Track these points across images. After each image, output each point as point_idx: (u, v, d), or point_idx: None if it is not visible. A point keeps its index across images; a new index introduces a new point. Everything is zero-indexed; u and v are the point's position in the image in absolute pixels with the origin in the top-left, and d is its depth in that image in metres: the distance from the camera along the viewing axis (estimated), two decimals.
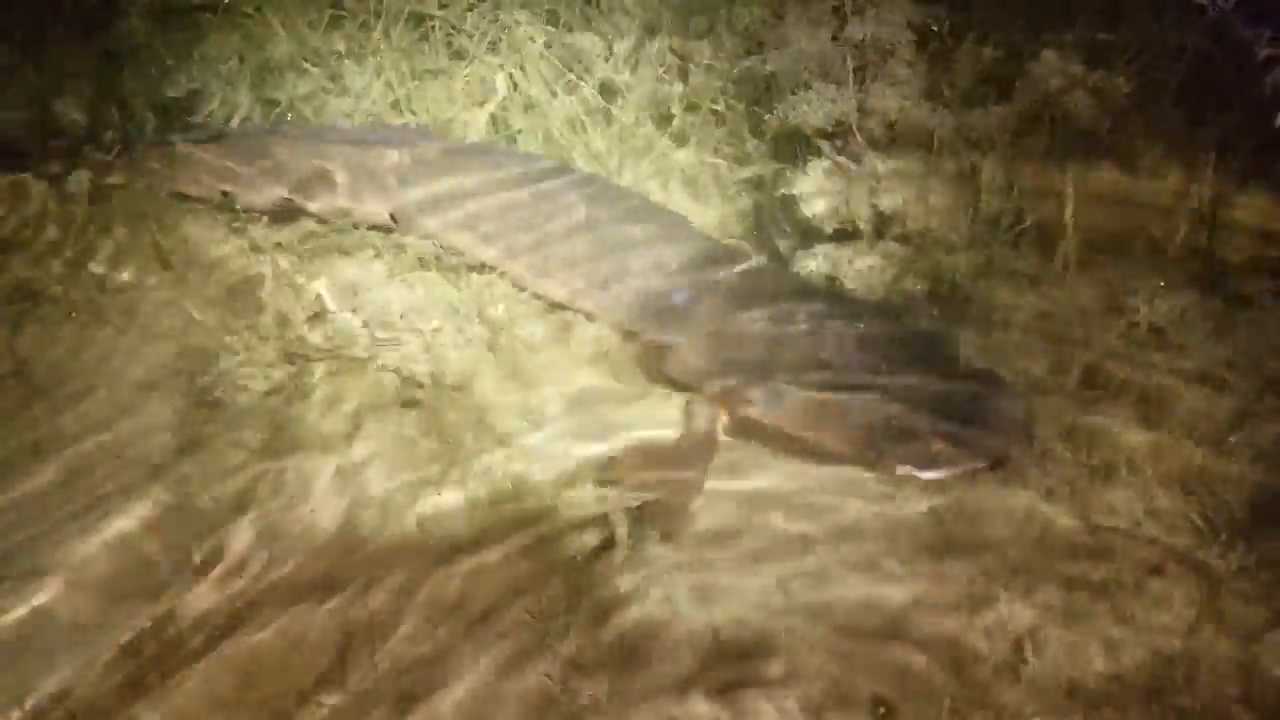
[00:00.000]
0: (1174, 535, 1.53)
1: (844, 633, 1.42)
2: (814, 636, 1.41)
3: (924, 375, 1.76)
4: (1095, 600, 1.44)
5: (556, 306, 2.03)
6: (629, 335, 1.93)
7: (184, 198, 2.36)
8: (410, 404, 1.74)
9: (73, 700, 1.39)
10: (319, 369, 1.80)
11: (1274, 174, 2.07)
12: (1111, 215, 2.17)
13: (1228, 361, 1.78)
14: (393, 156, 2.19)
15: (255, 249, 2.16)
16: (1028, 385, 1.80)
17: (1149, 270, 2.04)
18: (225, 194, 2.29)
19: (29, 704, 1.37)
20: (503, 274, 2.04)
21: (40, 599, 1.51)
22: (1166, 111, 2.14)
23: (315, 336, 1.88)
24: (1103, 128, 2.15)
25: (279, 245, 2.13)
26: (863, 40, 2.08)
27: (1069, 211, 2.08)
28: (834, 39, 2.15)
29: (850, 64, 2.15)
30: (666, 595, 1.46)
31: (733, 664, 1.38)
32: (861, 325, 1.85)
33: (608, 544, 1.55)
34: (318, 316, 1.92)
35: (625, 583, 1.49)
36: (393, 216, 2.16)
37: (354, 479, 1.67)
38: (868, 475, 1.66)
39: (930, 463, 1.64)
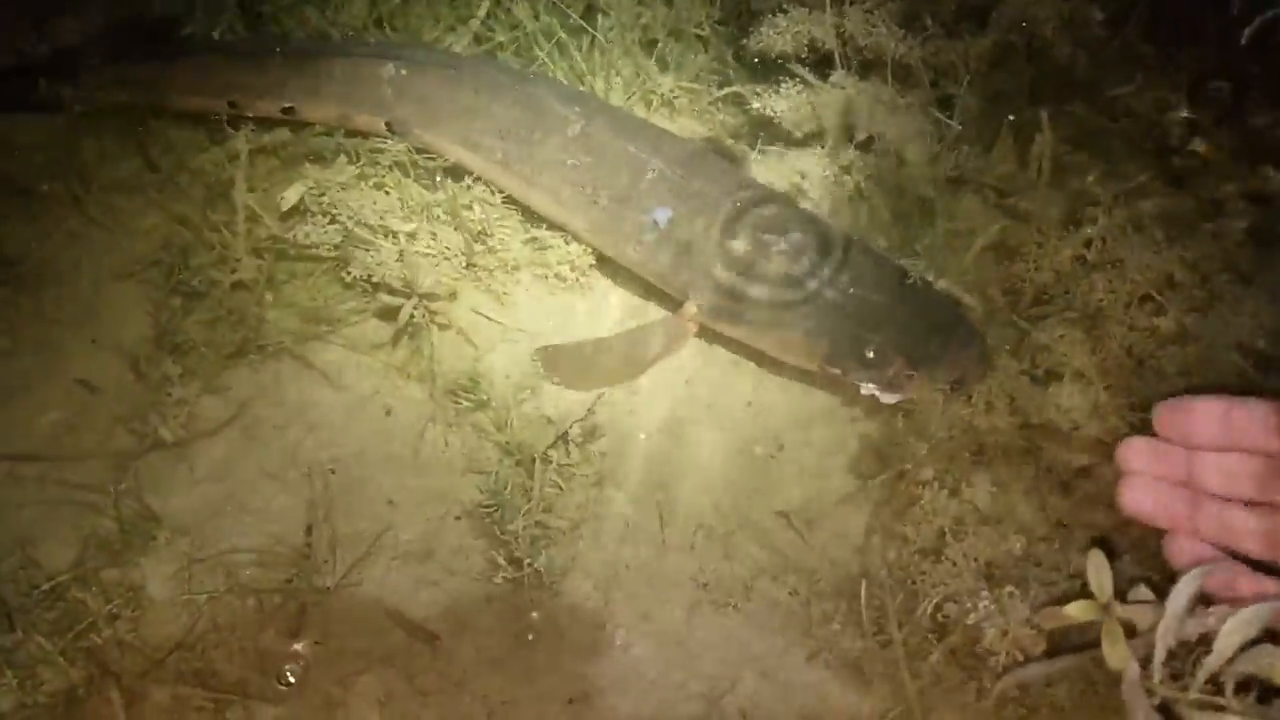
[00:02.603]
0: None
1: None
2: None
3: (889, 298, 1.81)
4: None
5: (539, 219, 2.06)
6: (611, 245, 1.97)
7: (180, 109, 2.38)
8: (384, 311, 1.80)
9: None
10: (289, 268, 1.86)
11: (1244, 112, 2.08)
12: (1081, 151, 2.18)
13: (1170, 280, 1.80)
14: (390, 68, 2.22)
15: (233, 156, 2.19)
16: (985, 305, 1.84)
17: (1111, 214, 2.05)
18: (231, 104, 2.31)
19: None
20: (491, 184, 2.07)
21: None
22: (1137, 44, 2.15)
23: (287, 237, 1.93)
24: (1077, 59, 2.16)
25: (256, 151, 2.16)
26: None
27: (1037, 147, 2.10)
28: None
29: None
30: None
31: None
32: (833, 245, 1.89)
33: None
34: (291, 219, 1.97)
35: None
36: (389, 126, 2.19)
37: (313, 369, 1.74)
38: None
39: (890, 386, 1.74)
